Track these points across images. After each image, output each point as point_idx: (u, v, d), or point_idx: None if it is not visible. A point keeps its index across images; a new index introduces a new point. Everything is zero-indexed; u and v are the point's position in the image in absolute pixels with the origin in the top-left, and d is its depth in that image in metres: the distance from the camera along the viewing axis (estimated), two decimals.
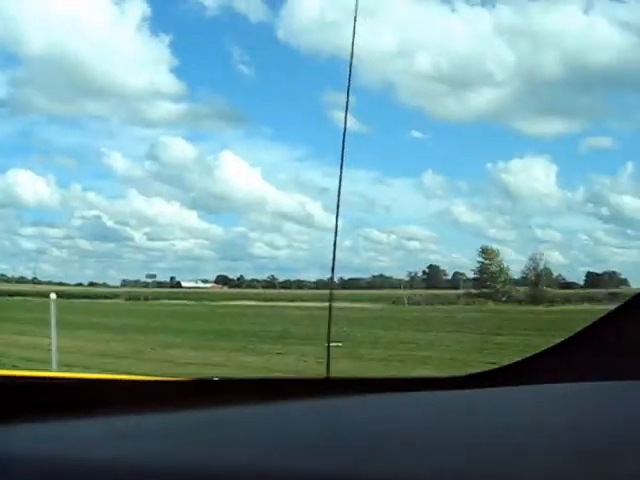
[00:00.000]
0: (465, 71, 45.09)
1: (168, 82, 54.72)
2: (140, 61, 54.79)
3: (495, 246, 40.37)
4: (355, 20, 2.28)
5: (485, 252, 39.58)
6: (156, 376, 1.51)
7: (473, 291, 39.95)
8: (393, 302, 38.17)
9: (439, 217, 56.27)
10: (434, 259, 55.23)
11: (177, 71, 63.22)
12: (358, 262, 59.94)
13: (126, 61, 55.31)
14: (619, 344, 1.33)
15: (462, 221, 52.03)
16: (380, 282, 48.68)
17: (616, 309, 1.36)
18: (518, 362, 1.42)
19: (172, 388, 1.38)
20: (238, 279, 57.06)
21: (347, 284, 47.99)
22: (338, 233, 2.44)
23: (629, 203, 39.43)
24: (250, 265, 76.05)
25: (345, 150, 2.27)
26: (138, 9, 56.38)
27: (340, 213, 2.35)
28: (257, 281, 53.99)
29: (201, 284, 57.20)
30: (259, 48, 62.25)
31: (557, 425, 0.98)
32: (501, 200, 50.09)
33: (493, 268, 39.00)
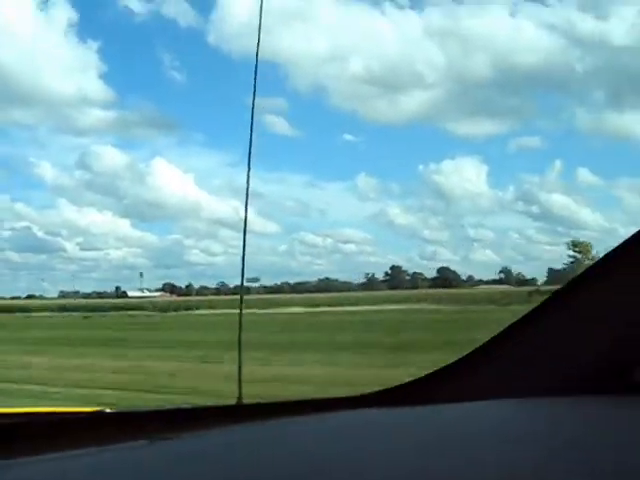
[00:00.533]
0: (396, 73, 46.02)
1: (97, 89, 53.35)
2: (68, 67, 53.31)
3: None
4: (260, 22, 2.21)
5: (577, 245, 35.73)
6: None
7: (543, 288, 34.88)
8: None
9: (374, 219, 57.24)
10: (373, 261, 56.17)
11: (106, 77, 61.65)
12: (295, 266, 60.26)
13: (53, 68, 53.72)
14: (518, 359, 1.31)
15: (397, 223, 52.96)
16: (325, 285, 48.90)
17: (516, 322, 1.34)
18: (422, 378, 1.39)
19: (70, 422, 1.28)
20: (187, 286, 55.19)
21: (295, 288, 47.76)
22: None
23: (558, 201, 40.79)
24: (186, 272, 75.37)
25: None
26: (64, 15, 54.76)
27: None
28: (207, 288, 52.69)
29: (148, 293, 55.98)
30: (189, 53, 61.55)
31: (455, 446, 0.98)
32: (434, 201, 51.00)
33: (587, 262, 33.42)
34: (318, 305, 36.27)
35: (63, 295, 52.92)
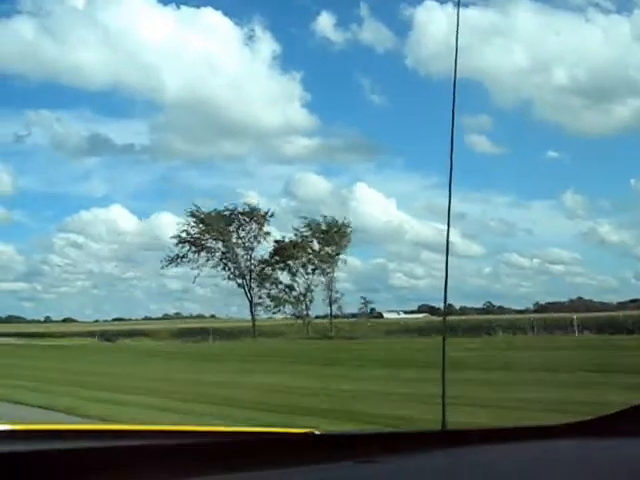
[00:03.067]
0: (605, 82, 42.63)
1: (301, 117, 56.76)
2: (273, 98, 57.42)
3: None
4: (457, 39, 2.21)
5: None
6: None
7: None
8: None
9: (583, 238, 53.10)
10: (581, 282, 51.76)
11: (310, 106, 65.60)
12: (498, 288, 57.44)
13: (260, 99, 58.21)
14: None
15: (608, 241, 48.67)
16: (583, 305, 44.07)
17: None
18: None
19: (277, 442, 1.33)
20: (449, 306, 53.13)
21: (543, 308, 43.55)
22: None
23: None
24: (390, 296, 75.75)
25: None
26: (268, 48, 59.31)
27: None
28: (467, 308, 51.59)
29: (403, 315, 56.02)
30: (388, 77, 63.13)
31: None
32: None
33: None
34: None
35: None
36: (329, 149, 60.90)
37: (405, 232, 58.11)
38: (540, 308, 50.07)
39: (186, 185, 71.57)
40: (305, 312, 55.22)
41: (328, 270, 53.98)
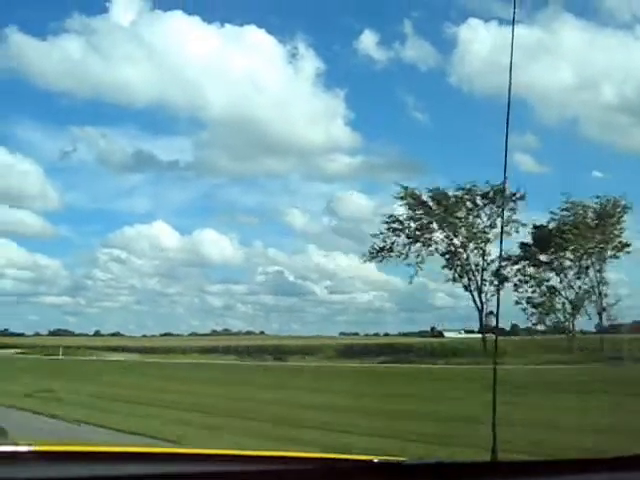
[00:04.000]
0: None
1: (344, 135, 56.72)
2: (316, 116, 57.60)
3: None
4: (511, 57, 2.19)
5: None
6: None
7: None
8: None
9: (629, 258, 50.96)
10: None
11: (352, 124, 65.70)
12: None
13: (303, 117, 58.53)
14: None
15: None
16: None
17: None
18: None
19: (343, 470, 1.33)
20: (513, 326, 48.28)
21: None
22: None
23: None
24: (431, 316, 74.80)
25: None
26: (311, 66, 59.76)
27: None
28: (533, 329, 43.47)
29: (464, 334, 54.05)
30: (432, 95, 62.91)
31: None
32: None
33: None
34: None
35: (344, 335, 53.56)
36: (371, 167, 60.70)
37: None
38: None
39: (229, 202, 72.47)
40: (569, 323, 42.02)
41: (597, 267, 40.68)
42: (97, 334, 72.39)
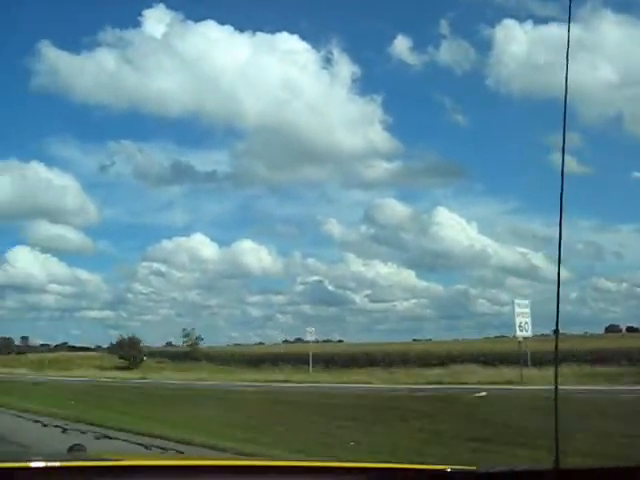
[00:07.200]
0: None
1: (382, 141, 56.44)
2: (354, 122, 57.44)
3: None
4: (567, 56, 2.14)
5: None
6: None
7: None
8: None
9: None
10: None
11: (391, 129, 65.38)
12: (587, 314, 54.84)
13: (340, 123, 58.44)
14: None
15: None
16: None
17: None
18: None
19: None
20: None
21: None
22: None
23: None
24: (472, 323, 73.88)
25: (565, 195, 2.10)
26: (347, 71, 59.75)
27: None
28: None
29: None
30: (469, 98, 62.32)
31: None
32: None
33: None
34: None
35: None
36: (410, 172, 60.35)
37: (489, 257, 56.51)
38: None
39: (266, 212, 72.87)
40: None
41: None
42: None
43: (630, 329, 52.60)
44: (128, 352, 53.24)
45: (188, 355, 54.98)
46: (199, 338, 57.85)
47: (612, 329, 55.62)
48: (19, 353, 65.28)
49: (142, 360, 53.72)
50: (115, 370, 47.65)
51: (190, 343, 57.10)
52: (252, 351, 58.13)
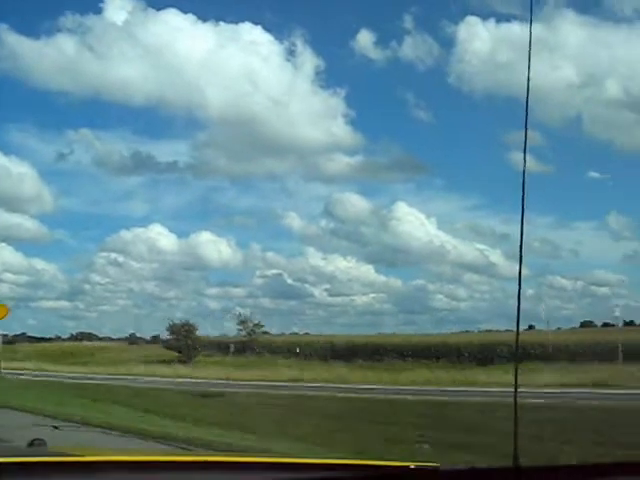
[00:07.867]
0: None
1: (344, 135, 56.55)
2: (316, 115, 57.38)
3: None
4: (529, 56, 2.16)
5: None
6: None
7: None
8: None
9: (629, 260, 51.47)
10: (633, 305, 49.93)
11: (353, 123, 65.60)
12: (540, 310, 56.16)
13: (303, 116, 58.32)
14: None
15: None
16: None
17: None
18: None
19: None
20: None
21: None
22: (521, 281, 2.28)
23: None
24: (429, 318, 75.17)
25: (525, 193, 2.13)
26: (310, 64, 59.44)
27: (523, 260, 2.19)
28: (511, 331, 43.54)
29: None
30: (431, 94, 62.99)
31: None
32: None
33: None
34: None
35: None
36: (371, 167, 60.58)
37: (447, 253, 57.25)
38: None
39: (226, 204, 71.99)
40: None
41: None
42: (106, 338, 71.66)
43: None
44: (179, 343, 45.47)
45: (246, 346, 47.03)
46: (258, 325, 49.81)
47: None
48: None
49: (198, 353, 46.18)
50: (163, 365, 40.60)
51: (248, 332, 48.78)
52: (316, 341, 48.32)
